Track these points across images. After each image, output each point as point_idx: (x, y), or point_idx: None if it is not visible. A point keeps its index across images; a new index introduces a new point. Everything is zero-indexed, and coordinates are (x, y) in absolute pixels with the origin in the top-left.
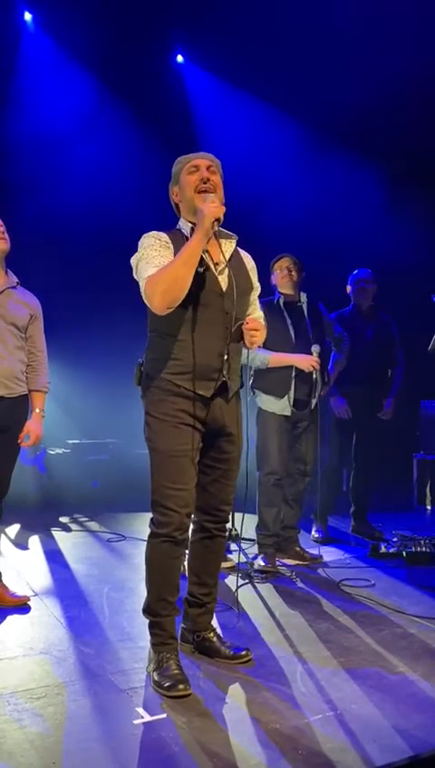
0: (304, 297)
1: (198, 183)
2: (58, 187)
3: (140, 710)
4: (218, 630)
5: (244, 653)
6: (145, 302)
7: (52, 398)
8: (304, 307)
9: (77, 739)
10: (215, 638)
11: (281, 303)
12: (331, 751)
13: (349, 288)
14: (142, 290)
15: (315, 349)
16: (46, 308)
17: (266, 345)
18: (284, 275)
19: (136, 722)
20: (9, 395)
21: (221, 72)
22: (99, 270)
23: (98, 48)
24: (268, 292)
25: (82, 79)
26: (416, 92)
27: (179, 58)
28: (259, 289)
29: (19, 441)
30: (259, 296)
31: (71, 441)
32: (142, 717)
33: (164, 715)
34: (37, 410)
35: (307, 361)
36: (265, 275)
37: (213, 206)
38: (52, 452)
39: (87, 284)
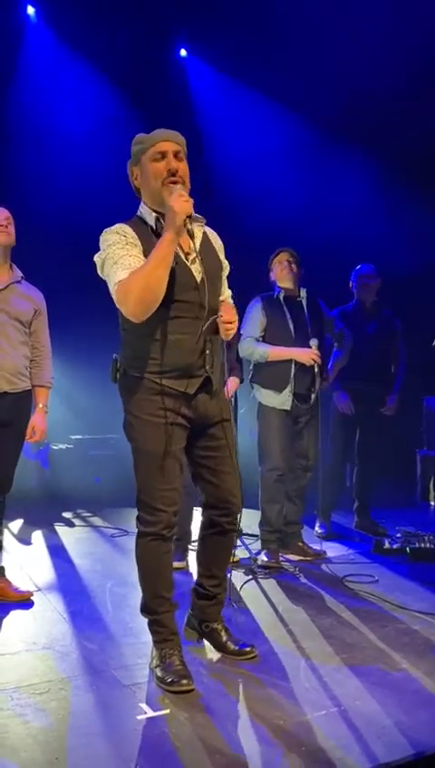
0: (303, 292)
1: (166, 175)
2: (62, 181)
3: (143, 705)
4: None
5: (248, 649)
6: (117, 306)
7: (55, 394)
8: (304, 302)
9: (80, 734)
10: (223, 631)
11: (281, 298)
12: (334, 747)
13: (352, 284)
14: (113, 293)
15: (314, 342)
16: (50, 303)
17: (266, 339)
18: (284, 268)
19: (139, 717)
20: (13, 390)
21: (224, 65)
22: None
23: (100, 41)
24: (267, 287)
25: (84, 72)
26: (419, 88)
27: (183, 52)
28: (228, 267)
29: (26, 437)
30: (260, 292)
31: (74, 436)
32: (145, 713)
33: (167, 711)
34: (41, 405)
35: (307, 354)
36: (263, 272)
37: (183, 202)
38: (55, 447)
39: (90, 279)
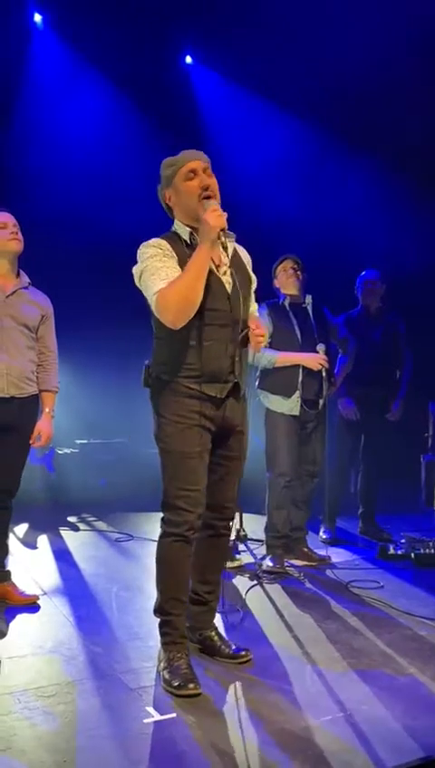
0: (308, 299)
1: (200, 191)
2: (68, 186)
3: (150, 709)
4: (222, 630)
5: (243, 653)
6: (156, 315)
7: (61, 398)
8: (309, 308)
9: (87, 737)
10: (216, 637)
11: (286, 305)
12: (340, 752)
13: (356, 289)
14: (152, 303)
15: (321, 347)
16: (57, 308)
17: (273, 345)
18: (289, 275)
19: (146, 721)
20: (20, 395)
21: (229, 72)
22: (109, 271)
23: (106, 48)
24: (272, 295)
25: (90, 79)
26: (425, 92)
27: (188, 59)
28: (256, 281)
29: (31, 442)
30: (265, 299)
31: (79, 441)
32: (152, 716)
33: (174, 715)
34: (47, 410)
35: (315, 360)
36: (267, 279)
37: (217, 216)
38: (60, 451)
39: (98, 285)
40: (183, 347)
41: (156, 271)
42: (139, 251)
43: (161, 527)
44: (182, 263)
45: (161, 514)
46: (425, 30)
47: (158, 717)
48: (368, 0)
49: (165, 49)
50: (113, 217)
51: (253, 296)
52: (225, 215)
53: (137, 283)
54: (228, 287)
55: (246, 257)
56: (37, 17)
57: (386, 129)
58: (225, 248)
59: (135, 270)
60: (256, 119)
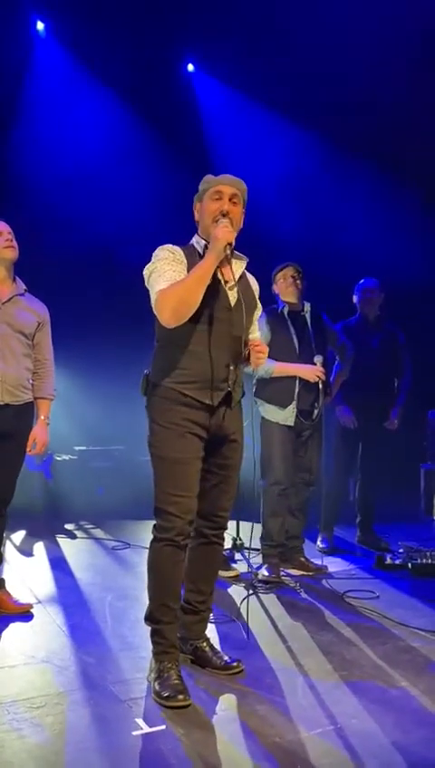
0: (307, 307)
1: (218, 215)
2: (69, 193)
3: (140, 721)
4: (216, 640)
5: (235, 664)
6: (155, 313)
7: (59, 405)
8: (308, 317)
9: (76, 749)
10: (207, 648)
11: (285, 313)
12: (330, 766)
13: (355, 297)
14: (153, 301)
15: (318, 359)
16: (54, 315)
17: (270, 354)
18: (289, 284)
19: (135, 733)
20: (15, 402)
21: (231, 80)
22: (107, 277)
23: (108, 56)
24: (271, 301)
25: (92, 87)
26: (428, 102)
27: (190, 67)
28: (261, 309)
29: (26, 449)
30: (265, 304)
31: (77, 448)
32: (141, 728)
33: (163, 727)
34: (42, 417)
35: (312, 371)
36: (267, 283)
37: (226, 230)
38: (58, 458)
39: (98, 293)
40: (181, 352)
41: (163, 273)
42: (154, 253)
43: (153, 533)
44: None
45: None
46: (429, 41)
47: (147, 730)
48: (371, 11)
49: (167, 57)
50: (115, 226)
51: (256, 324)
52: (233, 232)
53: (146, 284)
54: (232, 301)
55: (254, 285)
56: (40, 25)
57: (388, 138)
58: (229, 262)
59: (145, 270)
60: (258, 127)
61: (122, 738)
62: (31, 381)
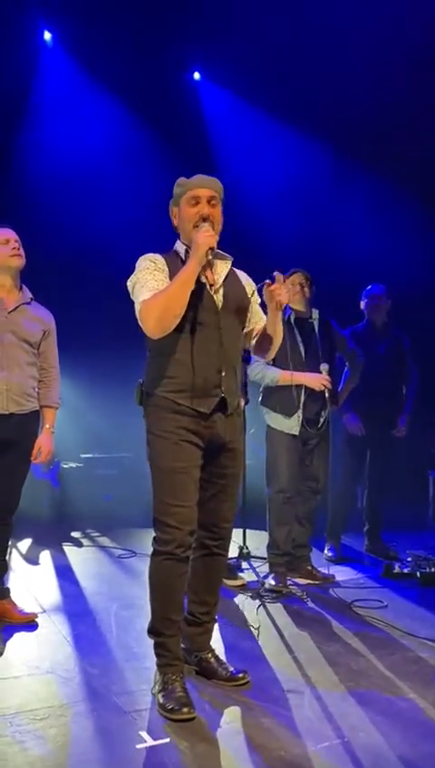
0: (315, 314)
1: (198, 219)
2: (75, 202)
3: (144, 734)
4: (221, 651)
5: (240, 675)
6: (140, 324)
7: (65, 412)
8: (315, 324)
9: (78, 762)
10: (213, 659)
11: (292, 320)
12: None
13: (362, 303)
14: (137, 312)
15: (324, 367)
16: (60, 323)
17: (276, 362)
18: (296, 291)
19: (138, 746)
20: (20, 411)
21: (237, 88)
22: (113, 285)
23: (115, 65)
24: None
25: (99, 96)
26: (430, 109)
27: (196, 75)
28: (259, 299)
29: (32, 458)
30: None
31: (84, 455)
32: (145, 741)
33: (167, 740)
34: (47, 426)
35: (317, 380)
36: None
37: (207, 235)
38: (65, 466)
39: (102, 298)
40: (171, 361)
41: (145, 283)
42: (136, 263)
43: (153, 545)
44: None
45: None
46: (430, 49)
47: (151, 742)
48: (375, 20)
49: (173, 65)
50: (121, 232)
51: (261, 312)
52: (215, 236)
53: (131, 295)
54: (219, 304)
55: (246, 280)
56: (47, 35)
57: (394, 144)
58: (211, 266)
59: (129, 282)
60: (264, 135)
61: (126, 751)
62: (36, 390)
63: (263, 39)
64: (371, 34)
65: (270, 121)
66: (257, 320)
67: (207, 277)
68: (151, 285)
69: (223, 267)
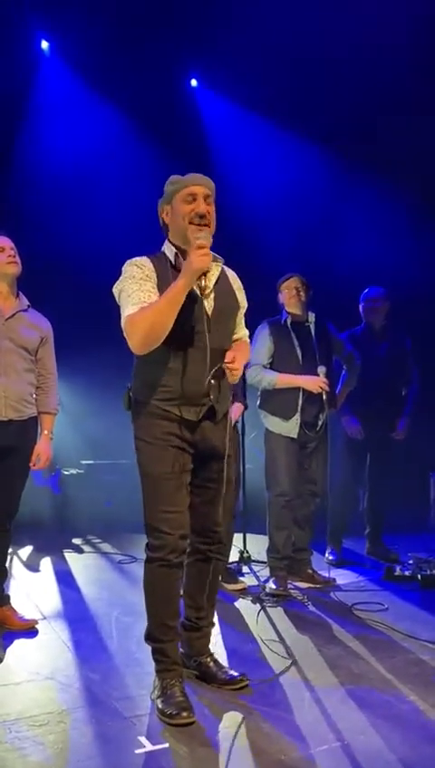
0: (311, 317)
1: (194, 215)
2: (71, 210)
3: (143, 739)
4: (222, 654)
5: (240, 679)
6: (125, 337)
7: (66, 419)
8: (312, 327)
9: (77, 767)
10: (212, 663)
11: (289, 323)
12: None
13: (360, 307)
14: (123, 325)
15: (322, 370)
16: (58, 329)
17: (274, 365)
18: (292, 295)
19: (138, 751)
20: (18, 418)
21: (234, 95)
22: (111, 291)
23: (112, 73)
24: (276, 311)
25: (97, 104)
26: (430, 112)
27: (193, 82)
28: (245, 307)
29: (30, 464)
30: (265, 316)
31: (84, 461)
32: (144, 746)
33: (166, 745)
34: (46, 432)
35: (315, 383)
36: (272, 294)
37: (202, 258)
38: (66, 472)
39: (101, 305)
40: (159, 368)
41: (132, 293)
42: (123, 267)
43: (145, 552)
44: (163, 283)
45: None
46: (428, 53)
47: (150, 748)
48: (373, 25)
49: (171, 72)
50: (116, 240)
51: (241, 323)
52: (210, 257)
53: (117, 301)
54: (209, 310)
55: (236, 283)
56: (44, 44)
57: (391, 149)
58: (204, 274)
59: (114, 288)
60: (261, 141)
61: (125, 756)
62: (34, 396)
63: (260, 45)
64: (368, 38)
65: (267, 126)
66: (239, 328)
67: (197, 282)
68: (137, 298)
69: (214, 270)
